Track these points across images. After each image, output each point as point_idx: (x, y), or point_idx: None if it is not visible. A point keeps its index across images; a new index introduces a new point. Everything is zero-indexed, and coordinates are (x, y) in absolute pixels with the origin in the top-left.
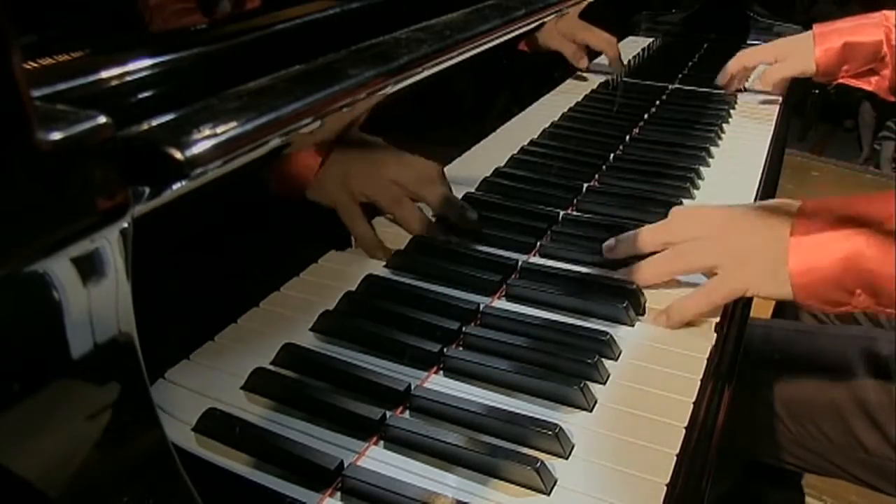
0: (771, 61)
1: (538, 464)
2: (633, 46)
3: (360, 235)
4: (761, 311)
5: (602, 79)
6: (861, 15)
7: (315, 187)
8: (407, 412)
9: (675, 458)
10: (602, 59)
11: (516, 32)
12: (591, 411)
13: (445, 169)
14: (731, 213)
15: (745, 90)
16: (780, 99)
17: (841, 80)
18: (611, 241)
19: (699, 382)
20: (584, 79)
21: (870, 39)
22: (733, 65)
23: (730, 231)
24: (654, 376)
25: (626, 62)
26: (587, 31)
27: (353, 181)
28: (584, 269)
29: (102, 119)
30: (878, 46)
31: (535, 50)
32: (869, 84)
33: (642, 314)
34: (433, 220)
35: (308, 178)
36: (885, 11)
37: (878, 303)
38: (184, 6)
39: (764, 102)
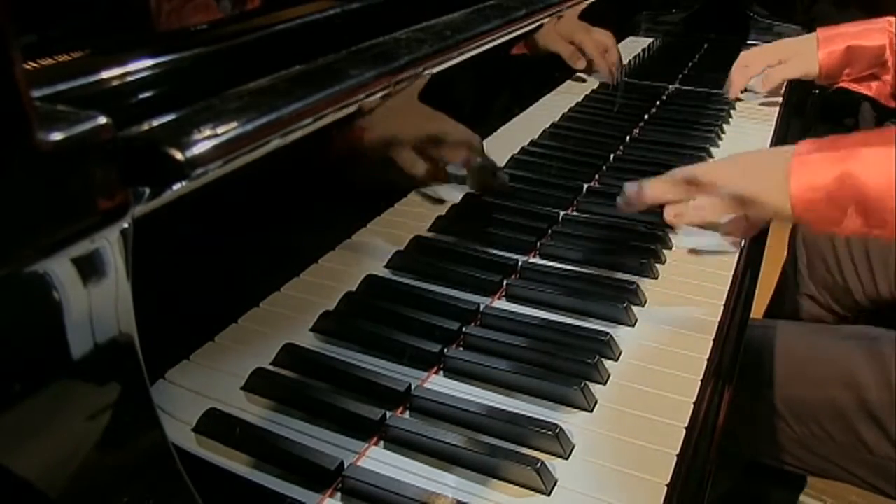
0: (774, 63)
1: (538, 464)
2: (633, 46)
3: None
4: (761, 311)
5: (602, 79)
6: (865, 20)
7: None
8: (407, 412)
9: (675, 458)
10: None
11: (516, 33)
12: (591, 411)
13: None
14: (737, 155)
15: (746, 90)
16: (781, 99)
17: (842, 84)
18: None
19: (699, 382)
20: (584, 80)
21: (873, 44)
22: (736, 72)
23: (738, 159)
24: (654, 376)
25: (625, 63)
26: (585, 33)
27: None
28: (584, 269)
29: (102, 119)
30: (881, 51)
31: (533, 51)
32: (870, 89)
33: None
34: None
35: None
36: (889, 17)
37: (867, 223)
38: (187, 3)
39: (764, 103)
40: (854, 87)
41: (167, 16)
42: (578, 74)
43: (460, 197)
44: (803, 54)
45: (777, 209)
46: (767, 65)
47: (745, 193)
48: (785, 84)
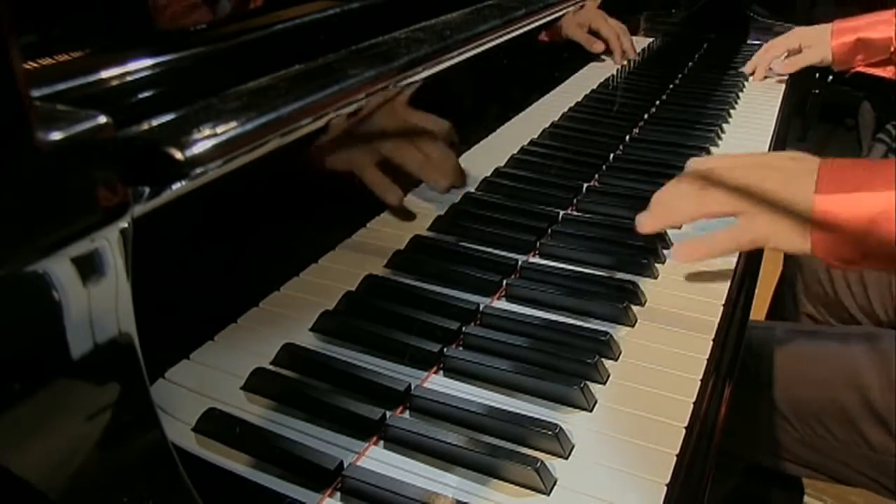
0: (795, 47)
1: (538, 464)
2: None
3: (378, 186)
4: (761, 311)
5: (602, 78)
6: (877, 13)
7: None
8: (407, 412)
9: (675, 458)
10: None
11: (516, 32)
12: (591, 411)
13: None
14: (756, 160)
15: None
16: (780, 99)
17: (859, 69)
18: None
19: (699, 382)
20: (583, 80)
21: (881, 36)
22: (761, 56)
23: (757, 178)
24: (654, 376)
25: (628, 61)
26: (600, 20)
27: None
28: (584, 269)
29: (102, 119)
30: (888, 42)
31: (553, 39)
32: (886, 72)
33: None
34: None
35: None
36: None
37: (887, 265)
38: (188, 3)
39: (764, 103)
40: (871, 70)
41: (168, 16)
42: (579, 73)
43: (460, 196)
44: (819, 43)
45: (797, 249)
46: (788, 49)
47: (763, 237)
48: (787, 79)
